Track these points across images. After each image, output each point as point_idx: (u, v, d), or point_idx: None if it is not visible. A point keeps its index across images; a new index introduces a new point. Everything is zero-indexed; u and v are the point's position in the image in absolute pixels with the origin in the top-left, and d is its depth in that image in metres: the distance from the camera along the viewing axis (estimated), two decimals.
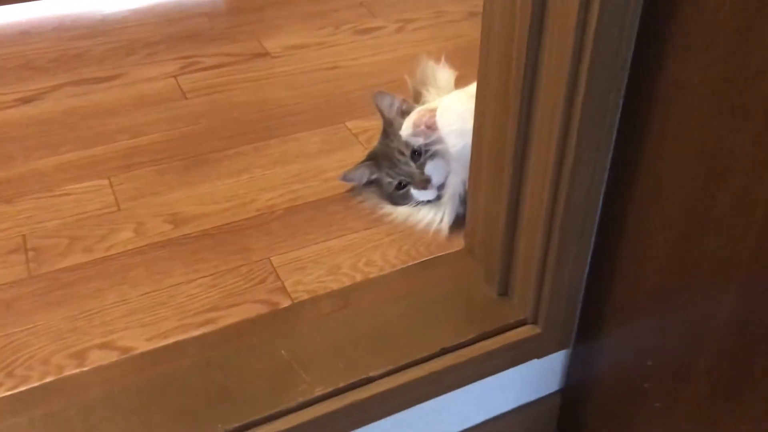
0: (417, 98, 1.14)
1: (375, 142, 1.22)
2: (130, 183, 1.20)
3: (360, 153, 1.26)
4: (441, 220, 1.10)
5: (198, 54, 1.60)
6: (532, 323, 0.95)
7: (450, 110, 1.02)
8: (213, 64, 1.56)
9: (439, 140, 1.05)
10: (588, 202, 0.84)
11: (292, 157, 1.27)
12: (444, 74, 1.14)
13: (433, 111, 1.04)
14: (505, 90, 0.84)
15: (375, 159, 1.16)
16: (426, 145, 1.08)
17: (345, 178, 1.16)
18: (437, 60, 1.18)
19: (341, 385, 0.86)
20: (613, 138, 0.80)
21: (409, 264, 1.04)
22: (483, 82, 0.89)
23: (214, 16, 1.79)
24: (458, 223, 1.10)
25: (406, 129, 1.05)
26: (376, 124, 1.33)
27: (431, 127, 1.04)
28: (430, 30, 1.72)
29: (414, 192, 1.11)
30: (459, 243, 1.08)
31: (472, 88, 1.06)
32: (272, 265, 1.04)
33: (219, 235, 1.10)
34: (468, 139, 0.99)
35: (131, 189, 1.19)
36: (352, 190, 1.18)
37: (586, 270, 0.92)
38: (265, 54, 1.60)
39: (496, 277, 0.97)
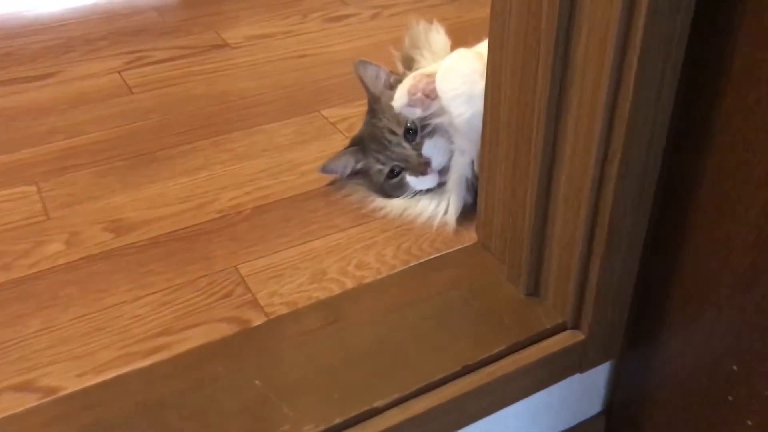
0: (408, 65, 0.94)
1: (357, 131, 1.02)
2: (63, 188, 0.99)
3: (340, 142, 1.06)
4: (446, 211, 0.90)
5: (146, 48, 1.39)
6: (574, 328, 0.75)
7: (454, 71, 0.82)
8: (164, 57, 1.36)
9: (441, 111, 0.86)
10: (648, 162, 0.65)
11: (258, 150, 1.06)
12: (439, 37, 0.95)
13: (432, 75, 0.85)
14: (532, 23, 0.65)
15: (360, 144, 0.96)
16: (423, 119, 0.88)
17: (325, 169, 0.96)
18: (429, 23, 0.99)
19: (337, 421, 0.65)
20: (678, 73, 0.61)
21: (412, 264, 0.84)
22: (499, 17, 0.69)
23: (166, 11, 1.58)
24: (466, 213, 0.90)
25: (399, 99, 0.85)
26: (356, 111, 1.14)
27: (430, 95, 0.85)
28: (410, 15, 1.53)
29: (410, 179, 0.91)
30: (470, 236, 0.87)
31: (480, 47, 0.88)
32: (240, 274, 0.83)
33: (172, 242, 0.88)
34: (478, 105, 0.79)
35: (64, 195, 0.97)
36: (334, 183, 0.98)
37: (640, 254, 0.72)
38: (223, 45, 1.40)
39: (522, 273, 0.77)
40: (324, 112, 1.16)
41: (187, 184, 0.99)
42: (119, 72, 1.30)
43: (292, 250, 0.86)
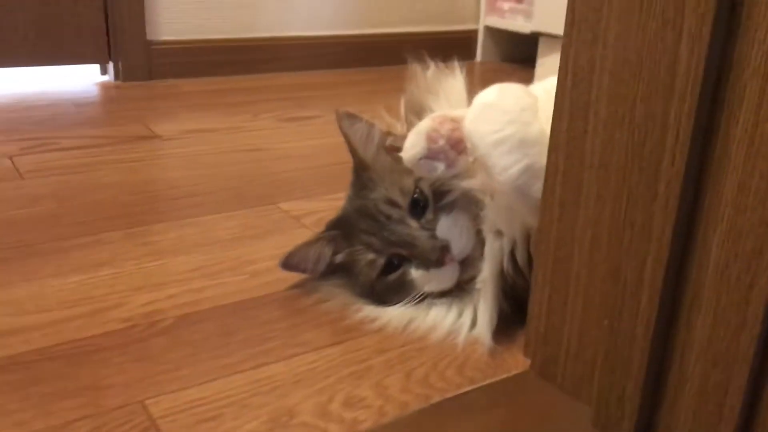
0: (418, 114, 0.66)
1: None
2: None
3: (306, 237, 0.77)
4: (473, 324, 0.60)
5: (51, 136, 1.10)
6: None
7: (496, 107, 0.55)
8: (72, 145, 1.06)
9: (467, 172, 0.59)
10: None
11: (190, 244, 0.75)
12: (455, 83, 0.69)
13: (458, 120, 0.58)
14: None
15: (341, 228, 0.66)
16: (440, 185, 0.60)
17: (288, 263, 0.65)
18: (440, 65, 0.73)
19: None
20: None
21: (435, 401, 0.52)
22: None
23: (86, 105, 1.31)
24: (505, 324, 0.60)
25: (413, 147, 0.58)
26: (326, 205, 0.86)
27: (456, 147, 0.57)
28: (380, 121, 1.30)
29: (417, 275, 0.62)
30: (514, 360, 0.57)
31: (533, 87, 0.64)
32: (148, 414, 0.49)
33: (41, 364, 0.55)
34: (534, 156, 0.53)
35: None
36: (302, 285, 0.67)
37: None
38: (151, 137, 1.12)
39: (625, 416, 0.47)
40: (283, 205, 0.87)
41: (80, 284, 0.66)
42: (11, 157, 0.99)
43: (238, 377, 0.54)
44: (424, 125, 0.58)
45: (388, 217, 0.62)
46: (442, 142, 0.57)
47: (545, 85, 0.64)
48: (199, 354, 0.56)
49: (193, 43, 1.53)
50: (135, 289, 0.66)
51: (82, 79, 1.49)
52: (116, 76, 1.49)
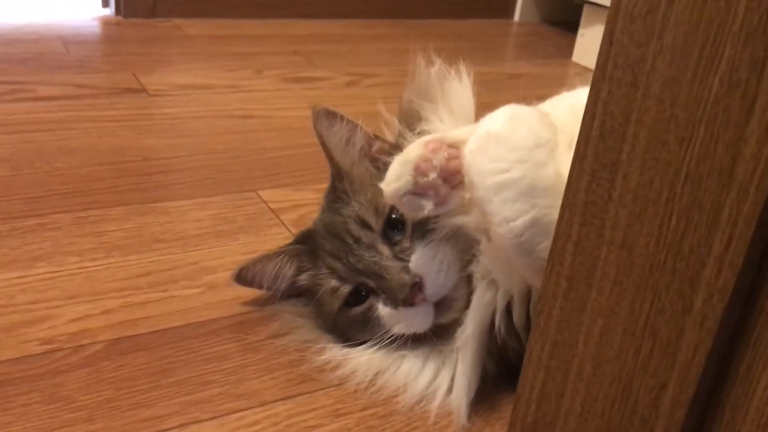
0: (410, 125, 0.55)
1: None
2: None
3: (282, 240, 0.67)
4: (450, 388, 0.50)
5: (29, 81, 1.00)
6: None
7: (503, 140, 0.44)
8: (49, 94, 0.96)
9: (463, 207, 0.48)
10: None
11: (149, 239, 0.66)
12: (461, 90, 0.57)
13: (457, 145, 0.47)
14: None
15: (309, 244, 0.56)
16: (429, 219, 0.50)
17: (242, 277, 0.56)
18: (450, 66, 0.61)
19: None
20: None
21: None
22: None
23: (74, 43, 1.21)
24: (493, 387, 0.50)
25: (396, 179, 0.46)
26: (314, 198, 0.76)
27: (451, 180, 0.46)
28: (397, 88, 1.18)
29: (385, 312, 0.52)
30: None
31: (546, 104, 0.53)
32: None
33: None
34: (544, 206, 0.43)
35: None
36: (260, 308, 0.58)
37: None
38: (139, 90, 1.02)
39: None
40: (264, 194, 0.77)
41: (7, 285, 0.57)
42: None
43: None
44: (413, 152, 0.47)
45: (357, 240, 0.52)
46: (433, 175, 0.46)
47: (571, 100, 0.53)
48: (119, 399, 0.47)
49: None
50: (68, 297, 0.57)
51: (82, 11, 1.38)
52: (117, 9, 1.37)
